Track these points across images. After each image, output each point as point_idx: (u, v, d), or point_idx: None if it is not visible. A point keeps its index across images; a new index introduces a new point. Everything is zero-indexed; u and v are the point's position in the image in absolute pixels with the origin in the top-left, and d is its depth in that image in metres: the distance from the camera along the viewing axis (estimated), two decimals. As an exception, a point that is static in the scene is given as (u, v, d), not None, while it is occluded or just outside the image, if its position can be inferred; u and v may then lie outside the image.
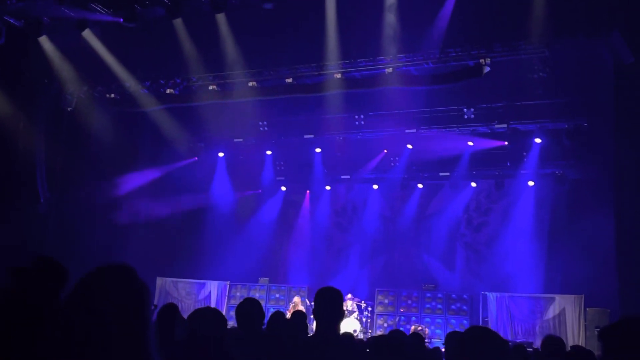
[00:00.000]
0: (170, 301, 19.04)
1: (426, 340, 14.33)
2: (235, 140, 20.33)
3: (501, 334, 12.65)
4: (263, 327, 5.26)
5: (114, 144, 18.08)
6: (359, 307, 17.90)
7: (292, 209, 22.28)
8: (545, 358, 5.94)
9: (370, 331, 17.90)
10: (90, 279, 1.67)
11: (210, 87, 17.15)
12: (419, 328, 17.15)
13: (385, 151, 19.93)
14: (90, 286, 1.65)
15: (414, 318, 18.23)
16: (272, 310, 16.58)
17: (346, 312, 17.22)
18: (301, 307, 16.53)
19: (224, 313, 14.59)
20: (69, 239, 16.60)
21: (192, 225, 21.06)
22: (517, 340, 16.50)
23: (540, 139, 17.71)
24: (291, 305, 17.22)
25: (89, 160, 18.02)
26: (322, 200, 22.01)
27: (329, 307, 3.85)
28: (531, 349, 12.43)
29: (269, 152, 21.02)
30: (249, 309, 5.06)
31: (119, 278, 1.74)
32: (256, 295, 19.69)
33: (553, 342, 6.11)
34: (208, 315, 3.47)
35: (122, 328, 1.60)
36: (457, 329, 15.66)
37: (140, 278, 1.82)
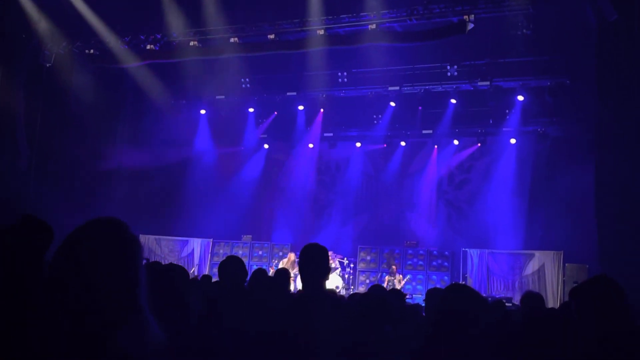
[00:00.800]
0: (154, 259, 20.24)
1: (407, 296, 14.34)
2: (218, 97, 20.09)
3: (481, 290, 16.67)
4: (245, 284, 5.25)
5: (94, 101, 17.80)
6: (341, 264, 17.98)
7: (275, 166, 22.09)
8: (524, 314, 5.98)
9: (352, 287, 18.03)
10: (81, 233, 1.66)
11: (191, 43, 16.86)
12: (394, 277, 17.26)
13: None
14: (80, 240, 1.64)
15: (384, 274, 18.16)
16: (255, 268, 16.61)
17: None
18: (295, 264, 16.47)
19: (207, 271, 19.33)
20: (50, 195, 16.42)
21: (174, 182, 20.91)
22: (497, 296, 16.58)
23: (523, 96, 17.66)
24: (285, 260, 17.11)
25: (69, 117, 17.72)
26: (305, 158, 21.80)
27: (314, 263, 3.84)
28: (510, 304, 12.80)
29: (251, 110, 20.85)
30: (231, 266, 5.04)
31: (110, 231, 1.73)
32: (239, 252, 19.77)
33: (532, 299, 6.11)
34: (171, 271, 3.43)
35: (114, 280, 1.60)
36: (437, 285, 16.87)
37: (130, 231, 1.82)
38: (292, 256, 16.93)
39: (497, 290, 17.87)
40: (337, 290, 15.89)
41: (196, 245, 20.41)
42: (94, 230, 1.67)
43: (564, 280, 16.64)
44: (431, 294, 5.88)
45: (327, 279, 3.80)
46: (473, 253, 18.44)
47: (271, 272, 15.53)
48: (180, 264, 4.38)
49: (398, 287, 16.38)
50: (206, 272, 18.11)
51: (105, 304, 1.56)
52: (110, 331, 1.54)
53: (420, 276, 18.90)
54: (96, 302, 1.54)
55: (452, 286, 3.14)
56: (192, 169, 21.27)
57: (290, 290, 7.52)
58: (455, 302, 2.88)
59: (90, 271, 1.56)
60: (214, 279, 7.05)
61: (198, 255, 20.28)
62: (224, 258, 5.29)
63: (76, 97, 17.79)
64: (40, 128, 17.07)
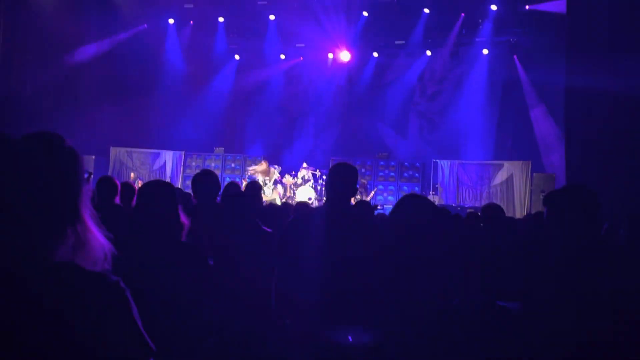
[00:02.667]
0: (125, 172, 18.72)
1: (378, 207, 15.46)
2: (186, 5, 19.51)
3: (450, 200, 17.54)
4: (218, 198, 5.27)
5: (58, 13, 16.93)
6: (314, 175, 18.03)
7: (246, 78, 21.50)
8: (484, 221, 6.10)
9: (324, 199, 17.83)
10: (15, 147, 1.55)
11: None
12: (363, 181, 17.32)
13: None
14: (16, 154, 1.54)
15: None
16: (228, 180, 16.33)
17: (301, 180, 17.33)
18: (269, 172, 16.57)
19: (179, 184, 18.98)
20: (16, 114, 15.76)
21: (144, 93, 20.24)
22: (465, 205, 17.08)
23: (496, 5, 17.51)
24: (256, 167, 16.81)
25: (32, 30, 16.88)
26: (277, 70, 21.39)
27: (344, 183, 3.89)
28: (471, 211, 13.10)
29: (221, 19, 20.22)
30: (204, 179, 5.04)
31: (45, 145, 1.67)
32: (211, 165, 19.77)
33: (491, 208, 6.26)
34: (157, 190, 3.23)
35: (52, 193, 1.53)
36: None
37: (68, 144, 1.75)
38: (265, 163, 16.80)
39: (465, 199, 18.13)
40: (310, 202, 15.68)
41: (168, 157, 20.31)
42: (28, 145, 1.56)
43: (531, 190, 16.84)
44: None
45: (354, 197, 3.84)
46: (444, 164, 18.62)
47: (244, 184, 13.90)
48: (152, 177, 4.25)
49: (367, 198, 16.36)
50: (179, 186, 17.55)
51: (41, 216, 1.50)
52: (48, 242, 1.52)
53: (391, 187, 19.15)
54: (31, 215, 1.49)
55: (406, 195, 3.07)
56: (162, 80, 20.74)
57: (261, 202, 7.33)
58: (402, 207, 2.87)
59: (23, 185, 1.49)
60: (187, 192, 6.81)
61: (170, 168, 20.17)
62: (198, 172, 5.25)
63: (39, 9, 16.69)
64: (1, 45, 16.40)
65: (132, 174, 19.08)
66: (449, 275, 2.72)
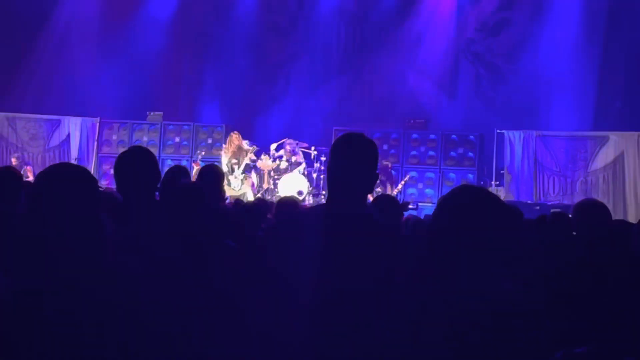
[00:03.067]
0: (5, 150, 20.65)
1: (411, 205, 14.94)
2: None
3: (525, 194, 18.54)
4: (156, 191, 5.35)
5: None
6: (306, 156, 17.86)
7: (195, 3, 21.42)
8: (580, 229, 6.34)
9: (324, 192, 17.34)
10: None
11: None
12: (385, 163, 17.30)
13: None
14: None
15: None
16: (169, 165, 15.91)
17: (286, 163, 17.45)
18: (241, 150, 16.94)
19: (92, 168, 20.31)
20: None
21: (34, 32, 20.54)
22: (548, 202, 16.88)
23: None
24: (226, 147, 17.45)
25: None
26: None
27: (356, 168, 3.80)
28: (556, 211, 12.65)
29: None
30: (134, 163, 5.15)
31: None
32: (144, 139, 19.80)
33: (589, 207, 6.47)
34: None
35: None
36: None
37: None
38: (235, 137, 17.06)
39: (547, 192, 17.96)
40: (301, 197, 16.28)
41: (73, 127, 20.17)
42: None
43: (655, 177, 16.65)
44: (443, 205, 5.83)
45: (372, 192, 4.37)
46: (514, 137, 18.25)
47: (195, 170, 15.48)
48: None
49: (391, 192, 16.42)
50: (92, 172, 18.40)
51: None
52: None
53: (430, 174, 18.74)
54: None
55: (465, 191, 3.11)
56: (61, 10, 20.79)
57: (224, 199, 7.60)
58: (469, 218, 2.93)
59: None
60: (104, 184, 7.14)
61: (77, 144, 20.17)
62: (123, 150, 5.38)
63: None
64: None
65: (13, 159, 19.12)
66: (532, 322, 2.87)
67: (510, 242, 3.02)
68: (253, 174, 17.17)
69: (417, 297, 2.85)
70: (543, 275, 5.17)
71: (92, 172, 15.03)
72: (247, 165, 16.97)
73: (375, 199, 7.37)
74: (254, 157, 17.14)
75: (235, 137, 17.12)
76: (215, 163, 13.35)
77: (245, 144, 17.20)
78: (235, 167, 16.80)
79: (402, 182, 17.53)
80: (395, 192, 16.70)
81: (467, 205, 2.93)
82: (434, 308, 2.78)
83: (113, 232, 3.35)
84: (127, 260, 3.62)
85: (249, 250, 4.61)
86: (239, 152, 16.95)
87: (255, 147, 17.36)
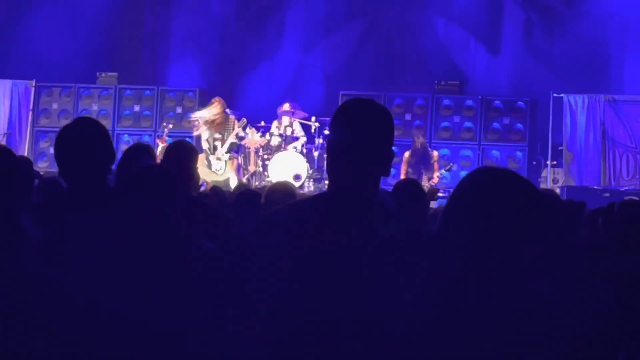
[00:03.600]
0: None
1: (440, 193, 15.21)
2: None
3: (590, 177, 18.35)
4: (110, 175, 5.24)
5: None
6: (305, 129, 17.54)
7: None
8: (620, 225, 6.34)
9: (327, 180, 16.15)
10: None
11: None
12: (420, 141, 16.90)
13: None
14: None
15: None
16: (126, 141, 18.04)
17: (279, 138, 17.04)
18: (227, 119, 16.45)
19: (26, 146, 20.67)
20: None
21: None
22: (620, 188, 16.96)
23: None
24: (205, 113, 16.78)
25: None
26: None
27: (367, 143, 3.61)
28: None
29: None
30: (81, 140, 4.98)
31: None
32: (93, 108, 19.28)
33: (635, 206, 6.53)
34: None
35: None
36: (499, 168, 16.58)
37: None
38: (218, 104, 16.33)
39: (621, 176, 17.66)
40: (298, 183, 16.08)
41: (1, 93, 19.69)
42: None
43: None
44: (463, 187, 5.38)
45: (387, 174, 3.73)
46: (575, 103, 17.77)
47: (160, 148, 15.29)
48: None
49: (428, 181, 16.17)
50: (25, 151, 18.83)
51: None
52: None
53: (467, 152, 18.20)
54: None
55: (486, 172, 2.93)
56: None
57: (198, 185, 7.61)
58: (489, 207, 2.86)
59: None
60: (43, 167, 11.24)
61: (6, 114, 19.57)
62: (67, 123, 5.19)
63: None
64: None
65: None
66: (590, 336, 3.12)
67: (542, 235, 2.86)
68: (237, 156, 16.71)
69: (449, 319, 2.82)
70: (612, 284, 5.13)
71: (25, 150, 19.19)
72: (232, 143, 16.51)
73: (396, 186, 7.07)
74: (242, 134, 16.72)
75: (218, 104, 16.27)
76: (187, 139, 13.75)
77: (231, 116, 16.53)
78: (218, 144, 16.29)
79: (444, 170, 16.78)
80: (435, 179, 16.27)
81: (486, 187, 2.84)
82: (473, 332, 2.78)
83: (38, 236, 3.39)
84: (53, 275, 3.50)
85: (231, 255, 4.49)
86: (223, 125, 16.31)
87: (244, 120, 16.64)
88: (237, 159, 16.73)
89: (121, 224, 4.53)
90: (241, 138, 16.95)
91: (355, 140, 3.61)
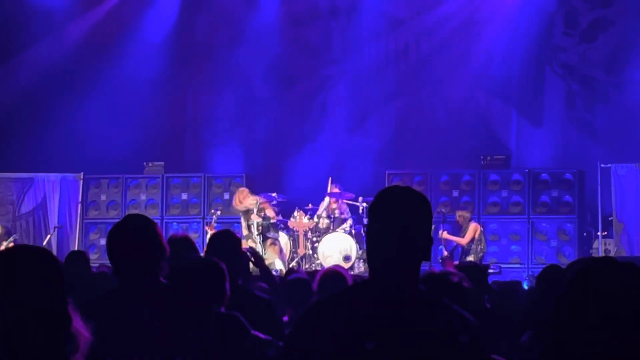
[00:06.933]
0: None
1: (491, 269, 14.92)
2: None
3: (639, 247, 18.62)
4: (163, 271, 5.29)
5: None
6: (353, 210, 17.41)
7: (199, 17, 20.79)
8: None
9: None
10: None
11: None
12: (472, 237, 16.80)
13: None
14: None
15: (441, 227, 17.04)
16: (175, 229, 17.99)
17: (327, 219, 16.87)
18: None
19: (76, 237, 20.30)
20: None
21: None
22: None
23: None
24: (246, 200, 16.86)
25: None
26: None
27: (401, 236, 3.56)
28: None
29: None
30: (134, 233, 4.99)
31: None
32: (142, 198, 19.38)
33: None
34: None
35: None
36: (555, 247, 17.66)
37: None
38: (237, 195, 16.73)
39: None
40: (349, 263, 15.96)
41: (50, 187, 19.57)
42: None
43: None
44: (550, 274, 7.17)
45: (428, 260, 3.69)
46: (624, 172, 17.67)
47: (209, 234, 14.77)
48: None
49: (473, 256, 16.28)
50: (76, 244, 18.69)
51: None
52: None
53: (516, 226, 18.02)
54: None
55: (585, 264, 2.96)
56: (39, 40, 20.28)
57: (249, 276, 7.73)
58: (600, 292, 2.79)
59: None
60: (94, 259, 11.53)
61: (56, 208, 19.44)
62: (115, 224, 5.08)
63: None
64: None
65: (48, 236, 18.73)
66: None
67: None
68: (283, 236, 16.70)
69: None
70: None
71: (76, 242, 19.69)
72: (267, 225, 16.47)
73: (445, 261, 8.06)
74: (274, 216, 16.75)
75: (237, 194, 16.87)
76: (235, 224, 14.71)
77: (249, 200, 16.68)
78: (252, 228, 16.49)
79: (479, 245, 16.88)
80: (477, 255, 16.59)
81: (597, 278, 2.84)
82: None
83: (89, 332, 3.30)
84: None
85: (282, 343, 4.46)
86: (245, 212, 16.63)
87: (257, 199, 16.77)
88: (278, 242, 16.76)
89: (178, 323, 4.57)
90: (264, 218, 16.86)
91: (397, 231, 3.57)
